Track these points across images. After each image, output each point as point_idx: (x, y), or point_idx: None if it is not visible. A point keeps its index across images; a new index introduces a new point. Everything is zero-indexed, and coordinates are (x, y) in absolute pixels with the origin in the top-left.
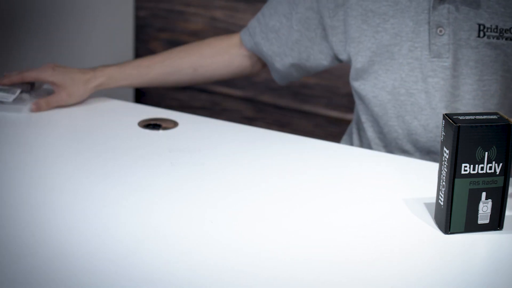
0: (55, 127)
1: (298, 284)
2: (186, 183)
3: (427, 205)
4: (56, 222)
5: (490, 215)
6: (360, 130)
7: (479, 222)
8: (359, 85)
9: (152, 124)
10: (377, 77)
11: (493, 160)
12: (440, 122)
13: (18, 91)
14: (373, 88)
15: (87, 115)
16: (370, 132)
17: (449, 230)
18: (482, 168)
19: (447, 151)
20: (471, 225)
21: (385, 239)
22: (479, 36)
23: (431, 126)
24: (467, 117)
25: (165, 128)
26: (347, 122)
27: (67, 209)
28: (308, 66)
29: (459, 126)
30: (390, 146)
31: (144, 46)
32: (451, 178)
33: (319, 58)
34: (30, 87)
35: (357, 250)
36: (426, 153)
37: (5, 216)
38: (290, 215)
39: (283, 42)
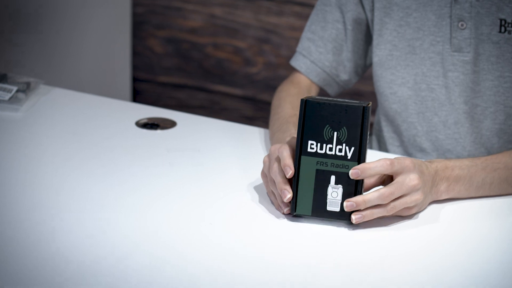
0: (51, 127)
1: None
2: (185, 184)
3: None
4: (52, 223)
5: (341, 204)
6: (380, 131)
7: (328, 208)
8: (376, 81)
9: (150, 124)
10: (394, 73)
11: (343, 142)
12: (459, 118)
13: (14, 89)
14: (390, 84)
15: (83, 114)
16: (386, 131)
17: (295, 210)
18: (330, 149)
19: (298, 129)
20: (319, 210)
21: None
22: (500, 31)
23: (450, 122)
24: (328, 100)
25: (163, 128)
26: None
27: (64, 210)
28: (368, 64)
29: (306, 100)
30: (407, 145)
31: (141, 43)
32: (298, 155)
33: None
34: (27, 86)
35: (362, 254)
36: (443, 152)
37: None
38: (290, 217)
39: (344, 47)
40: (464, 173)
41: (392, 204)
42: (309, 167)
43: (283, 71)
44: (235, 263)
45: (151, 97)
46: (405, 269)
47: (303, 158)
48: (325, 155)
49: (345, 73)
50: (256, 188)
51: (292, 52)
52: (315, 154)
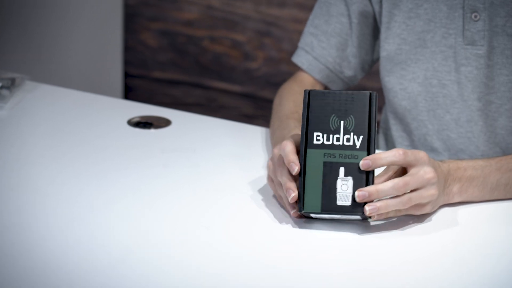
0: (37, 126)
1: None
2: (180, 187)
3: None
4: (38, 228)
5: (352, 197)
6: (387, 129)
7: (339, 203)
8: (383, 77)
9: (142, 123)
10: (405, 68)
11: (351, 131)
12: (472, 116)
13: None
14: (400, 79)
15: (72, 112)
16: (394, 130)
17: (303, 208)
18: (338, 139)
19: (303, 122)
20: (329, 206)
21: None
22: None
23: (462, 120)
24: (332, 90)
25: (157, 127)
26: None
27: (51, 215)
28: (374, 59)
29: (310, 91)
30: (417, 144)
31: (133, 37)
32: (303, 148)
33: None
34: (11, 83)
35: (371, 261)
36: (456, 152)
37: None
38: (294, 220)
39: (349, 42)
40: (478, 173)
41: (408, 195)
42: (316, 161)
43: (284, 66)
44: (234, 270)
45: (144, 94)
46: (417, 277)
47: (309, 151)
48: (332, 146)
49: (350, 69)
50: (256, 190)
51: (294, 46)
52: (322, 146)
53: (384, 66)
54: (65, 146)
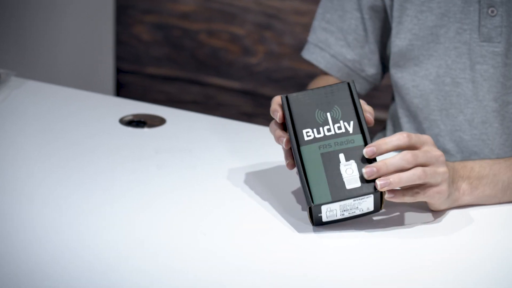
0: (24, 125)
1: None
2: (175, 190)
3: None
4: (24, 234)
5: (361, 177)
6: (396, 127)
7: (348, 187)
8: (395, 73)
9: (135, 121)
10: (417, 64)
11: (340, 120)
12: (487, 117)
13: None
14: (413, 76)
15: (60, 110)
16: (406, 128)
17: (313, 201)
18: (329, 130)
19: (288, 124)
20: (339, 192)
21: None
22: None
23: (477, 122)
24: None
25: (150, 126)
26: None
27: (38, 220)
28: (388, 55)
29: (286, 95)
30: None
31: (126, 31)
32: (296, 148)
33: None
34: None
35: (378, 267)
36: (469, 154)
37: None
38: (296, 226)
39: (366, 39)
40: (486, 171)
41: (421, 168)
42: (313, 155)
43: (286, 61)
44: (234, 278)
45: (137, 91)
46: (427, 282)
47: (302, 148)
48: (325, 137)
49: (371, 67)
50: (257, 194)
51: (297, 39)
52: (314, 140)
53: (395, 62)
54: (53, 146)
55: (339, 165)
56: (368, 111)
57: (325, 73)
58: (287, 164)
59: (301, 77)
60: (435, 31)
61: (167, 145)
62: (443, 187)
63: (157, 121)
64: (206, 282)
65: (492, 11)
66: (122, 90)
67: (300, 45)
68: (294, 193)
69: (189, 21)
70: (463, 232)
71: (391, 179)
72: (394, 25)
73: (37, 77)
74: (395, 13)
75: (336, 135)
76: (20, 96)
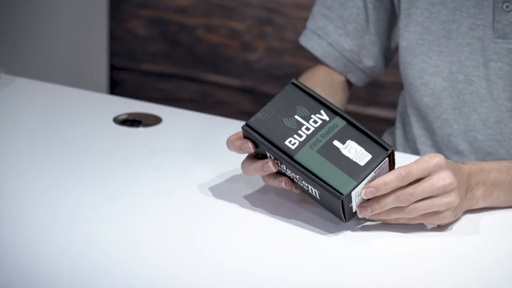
0: (13, 124)
1: None
2: (172, 192)
3: None
4: (14, 239)
5: (366, 149)
6: (406, 125)
7: (361, 163)
8: (404, 69)
9: (130, 120)
10: (426, 60)
11: (311, 115)
12: (502, 116)
13: None
14: (420, 73)
15: (52, 109)
16: (416, 128)
17: (342, 193)
18: (307, 128)
19: (265, 148)
20: (357, 172)
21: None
22: None
23: (491, 121)
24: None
25: (146, 125)
26: (374, 119)
27: (28, 223)
28: (393, 48)
29: (246, 124)
30: (440, 145)
31: (120, 26)
32: (291, 160)
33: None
34: None
35: (382, 272)
36: (484, 155)
37: None
38: (297, 228)
39: (366, 29)
40: (503, 176)
41: (412, 205)
42: (310, 156)
43: (288, 57)
44: (233, 285)
45: (131, 89)
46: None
47: (297, 157)
48: (308, 136)
49: (370, 59)
50: (257, 196)
51: (299, 35)
52: (301, 143)
53: (403, 58)
54: (44, 147)
55: (340, 151)
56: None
57: (322, 63)
58: (284, 184)
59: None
60: (447, 25)
61: (163, 145)
62: (446, 214)
63: (153, 120)
64: (204, 287)
65: (507, 6)
66: (116, 87)
67: None
68: (295, 194)
69: (186, 16)
70: (474, 236)
71: (372, 207)
72: (402, 17)
73: (27, 75)
74: (404, 5)
75: (317, 129)
76: (10, 94)
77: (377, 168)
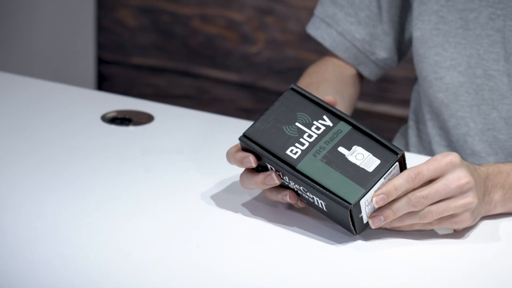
0: None
1: None
2: (165, 196)
3: None
4: None
5: (374, 155)
6: (420, 123)
7: (369, 169)
8: (417, 63)
9: (119, 118)
10: (441, 53)
11: (313, 121)
12: None
13: None
14: (435, 67)
15: (35, 106)
16: (430, 127)
17: (350, 202)
18: (310, 136)
19: (265, 159)
20: (365, 179)
21: None
22: None
23: None
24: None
25: (136, 124)
26: (384, 117)
27: (9, 230)
28: (406, 38)
29: (242, 136)
30: (456, 145)
31: (109, 15)
32: (293, 171)
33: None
34: None
35: (391, 277)
36: (505, 156)
37: None
38: (301, 238)
39: (379, 17)
40: None
41: (427, 209)
42: (313, 165)
43: (290, 50)
44: None
45: (121, 84)
46: None
47: (299, 167)
48: (311, 144)
49: (383, 50)
50: (257, 201)
51: (302, 26)
52: (304, 152)
53: (417, 50)
54: (27, 147)
55: (346, 158)
56: (326, 98)
57: (332, 54)
58: (289, 198)
59: (305, 69)
60: (464, 15)
61: (155, 145)
62: (464, 217)
63: (144, 118)
64: None
65: None
66: (104, 83)
67: (306, 32)
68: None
69: (180, 5)
70: (492, 244)
71: (385, 214)
72: (416, 5)
73: (9, 69)
74: None
75: (320, 136)
76: None
77: (386, 173)
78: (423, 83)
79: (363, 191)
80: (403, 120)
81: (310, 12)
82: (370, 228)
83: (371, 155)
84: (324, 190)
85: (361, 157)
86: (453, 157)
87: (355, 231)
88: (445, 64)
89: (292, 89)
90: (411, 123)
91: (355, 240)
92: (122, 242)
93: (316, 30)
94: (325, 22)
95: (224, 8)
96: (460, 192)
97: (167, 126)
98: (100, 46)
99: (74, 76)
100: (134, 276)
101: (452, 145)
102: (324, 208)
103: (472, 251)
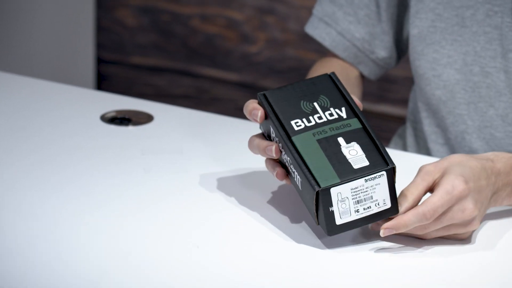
0: None
1: None
2: (164, 196)
3: None
4: None
5: (366, 156)
6: (417, 123)
7: (356, 166)
8: (414, 60)
9: (119, 118)
10: (438, 50)
11: (330, 107)
12: None
13: None
14: (432, 64)
15: (34, 106)
16: (426, 125)
17: (319, 185)
18: (319, 117)
19: (269, 121)
20: (346, 173)
21: None
22: None
23: (511, 117)
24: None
25: (136, 123)
26: (385, 117)
27: (8, 231)
28: (405, 37)
29: (264, 92)
30: (453, 143)
31: (108, 15)
32: (287, 139)
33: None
34: None
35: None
36: None
37: None
38: (300, 236)
39: (378, 16)
40: None
41: (428, 234)
42: (308, 142)
43: (290, 50)
44: None
45: (120, 84)
46: None
47: (294, 138)
48: (317, 125)
49: (382, 49)
50: (257, 201)
51: (302, 25)
52: (306, 128)
53: (414, 47)
54: (26, 147)
55: (340, 148)
56: (355, 99)
57: (332, 54)
58: (277, 174)
59: (307, 68)
60: (461, 12)
61: (154, 145)
62: (464, 236)
63: (144, 118)
64: None
65: None
66: (103, 82)
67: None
68: (298, 199)
69: (180, 4)
70: (496, 247)
71: (395, 223)
72: (413, 3)
73: (8, 69)
74: None
75: (329, 121)
76: None
77: (369, 177)
78: (420, 81)
79: (338, 180)
80: (404, 120)
81: (310, 12)
82: (359, 231)
83: (364, 155)
84: (304, 166)
85: (354, 153)
86: (464, 188)
87: (318, 221)
88: (442, 61)
89: (329, 75)
90: (408, 123)
91: (355, 240)
92: (122, 242)
93: (315, 29)
94: (324, 22)
95: (224, 8)
96: (462, 221)
97: (166, 126)
98: (100, 45)
99: (73, 75)
100: (134, 276)
101: (449, 143)
102: (300, 187)
103: (472, 251)
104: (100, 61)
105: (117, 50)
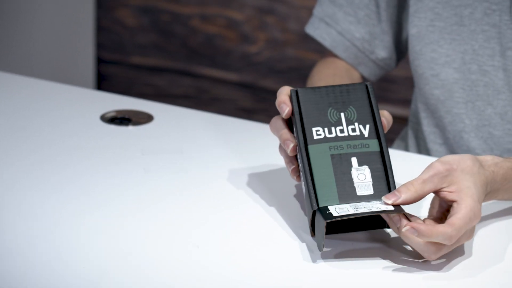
0: None
1: None
2: (164, 196)
3: None
4: None
5: (373, 184)
6: (419, 124)
7: (359, 193)
8: (413, 60)
9: (119, 118)
10: (436, 49)
11: (355, 122)
12: None
13: None
14: (431, 63)
15: (33, 106)
16: (425, 125)
17: (317, 204)
18: (341, 131)
19: (294, 119)
20: (348, 197)
21: None
22: None
23: (510, 115)
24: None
25: (136, 123)
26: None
27: (8, 231)
28: (404, 37)
29: (297, 89)
30: (452, 142)
31: (108, 15)
32: (303, 146)
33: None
34: None
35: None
36: (501, 152)
37: None
38: (302, 237)
39: (378, 16)
40: None
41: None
42: (322, 155)
43: (290, 50)
44: None
45: (120, 84)
46: None
47: (310, 147)
48: (336, 138)
49: (383, 49)
50: (257, 201)
51: (302, 25)
52: (325, 139)
53: (413, 47)
54: (26, 147)
55: (350, 169)
56: (385, 117)
57: (333, 54)
58: (292, 170)
59: (308, 68)
60: (459, 11)
61: (154, 145)
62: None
63: (144, 118)
64: None
65: None
66: (103, 82)
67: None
68: (300, 199)
69: (179, 4)
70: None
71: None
72: (412, 2)
73: (8, 69)
74: None
75: (349, 137)
76: None
77: (368, 208)
78: (419, 81)
79: (337, 203)
80: (404, 120)
81: (310, 12)
82: (370, 232)
83: (371, 183)
84: (310, 179)
85: (363, 178)
86: (480, 216)
87: (313, 233)
88: (441, 60)
89: (367, 86)
90: (410, 125)
91: (355, 240)
92: (122, 242)
93: (315, 30)
94: (324, 22)
95: (224, 8)
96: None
97: (166, 126)
98: (100, 45)
99: (73, 75)
100: (134, 276)
101: (448, 142)
102: (303, 193)
103: (472, 251)
104: (100, 61)
105: (117, 50)
